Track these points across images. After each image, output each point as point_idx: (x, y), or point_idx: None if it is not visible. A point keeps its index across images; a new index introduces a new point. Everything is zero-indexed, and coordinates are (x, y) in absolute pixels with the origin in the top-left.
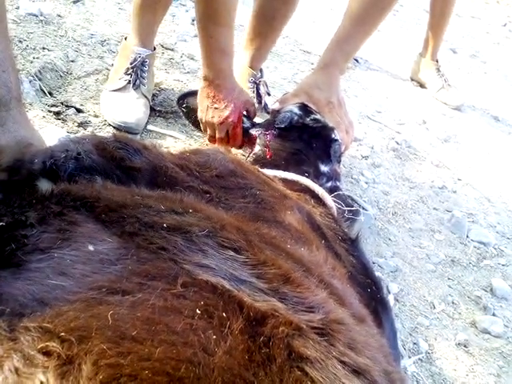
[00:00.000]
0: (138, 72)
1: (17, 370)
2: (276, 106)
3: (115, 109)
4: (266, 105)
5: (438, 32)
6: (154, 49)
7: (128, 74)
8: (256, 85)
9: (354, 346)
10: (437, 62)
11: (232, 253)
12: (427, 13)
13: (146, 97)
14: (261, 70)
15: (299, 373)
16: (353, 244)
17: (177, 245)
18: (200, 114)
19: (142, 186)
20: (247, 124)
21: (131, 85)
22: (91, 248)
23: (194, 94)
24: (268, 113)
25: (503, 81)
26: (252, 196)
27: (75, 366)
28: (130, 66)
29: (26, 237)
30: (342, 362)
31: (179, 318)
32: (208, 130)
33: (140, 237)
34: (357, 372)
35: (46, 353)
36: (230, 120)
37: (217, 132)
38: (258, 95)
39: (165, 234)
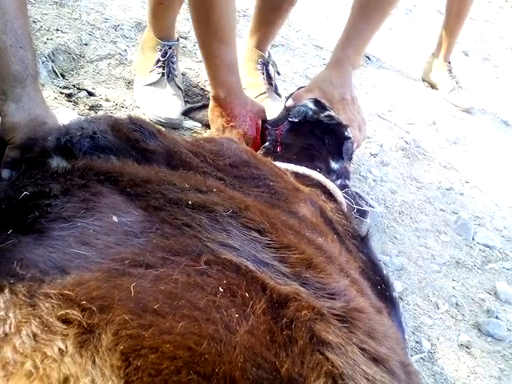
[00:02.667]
0: (169, 64)
1: (35, 335)
2: (290, 103)
3: (155, 105)
4: (276, 86)
5: (452, 33)
6: (177, 39)
7: (160, 67)
8: (265, 66)
9: (374, 335)
10: (449, 63)
11: (256, 234)
12: (441, 14)
13: (180, 88)
14: (268, 53)
15: (320, 356)
16: (363, 241)
17: (201, 223)
18: (216, 134)
19: (162, 167)
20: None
21: (165, 77)
22: (115, 219)
23: (197, 108)
24: (278, 94)
25: None
26: (266, 186)
27: (95, 336)
28: (162, 59)
29: (50, 206)
30: (362, 349)
31: (202, 294)
32: None
33: (165, 212)
34: (376, 360)
35: (66, 320)
36: (249, 134)
37: None
38: (268, 77)
39: (189, 211)
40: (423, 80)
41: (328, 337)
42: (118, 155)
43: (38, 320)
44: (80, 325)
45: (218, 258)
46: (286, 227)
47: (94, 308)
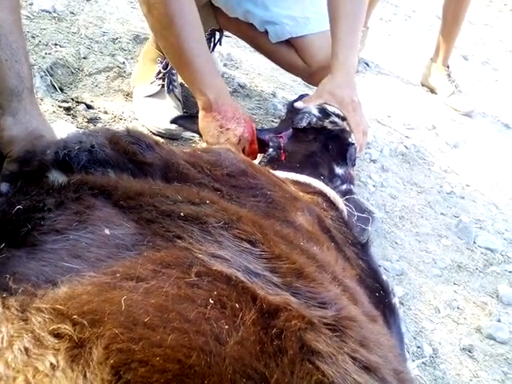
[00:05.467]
0: (169, 76)
1: (27, 350)
2: (300, 105)
3: (155, 116)
4: None
5: (449, 38)
6: None
7: (160, 78)
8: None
9: (366, 344)
10: (448, 67)
11: (247, 245)
12: (440, 19)
13: (179, 100)
14: None
15: (310, 366)
16: (362, 248)
17: (193, 234)
18: (211, 141)
19: (157, 180)
20: (260, 135)
21: (165, 89)
22: (107, 232)
23: (186, 117)
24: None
25: None
26: (263, 196)
27: (86, 350)
28: (164, 71)
29: (43, 219)
30: (353, 358)
31: (192, 306)
32: None
33: (157, 224)
34: (367, 369)
35: (58, 335)
36: (246, 136)
37: None
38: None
39: (181, 223)
40: (422, 85)
41: (318, 346)
42: (116, 168)
43: (30, 334)
44: (71, 339)
45: (208, 270)
46: (280, 237)
47: (85, 322)
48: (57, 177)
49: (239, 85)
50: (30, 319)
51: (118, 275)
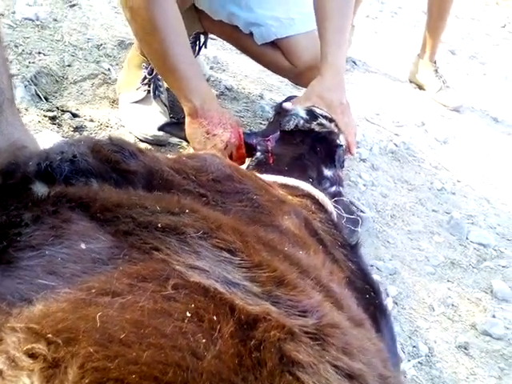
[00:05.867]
0: (155, 81)
1: (1, 372)
2: (287, 107)
3: (142, 122)
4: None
5: (435, 33)
6: None
7: (146, 84)
8: None
9: (349, 351)
10: (435, 63)
11: (227, 254)
12: (426, 14)
13: (165, 105)
14: None
15: (290, 377)
16: (352, 250)
17: (170, 245)
18: (198, 147)
19: (139, 189)
20: (248, 139)
21: (151, 94)
22: (83, 246)
23: (173, 124)
24: None
25: (503, 82)
26: (248, 200)
27: (61, 370)
28: (149, 77)
29: (20, 234)
30: (335, 367)
31: (169, 320)
32: None
33: (134, 236)
34: (350, 376)
35: (32, 355)
36: (232, 141)
37: None
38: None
39: (159, 234)
40: (410, 81)
41: (298, 356)
42: (99, 178)
43: (4, 356)
44: (46, 359)
45: (186, 282)
46: (262, 244)
47: (60, 341)
48: (39, 189)
49: (226, 87)
50: (4, 339)
51: (93, 291)
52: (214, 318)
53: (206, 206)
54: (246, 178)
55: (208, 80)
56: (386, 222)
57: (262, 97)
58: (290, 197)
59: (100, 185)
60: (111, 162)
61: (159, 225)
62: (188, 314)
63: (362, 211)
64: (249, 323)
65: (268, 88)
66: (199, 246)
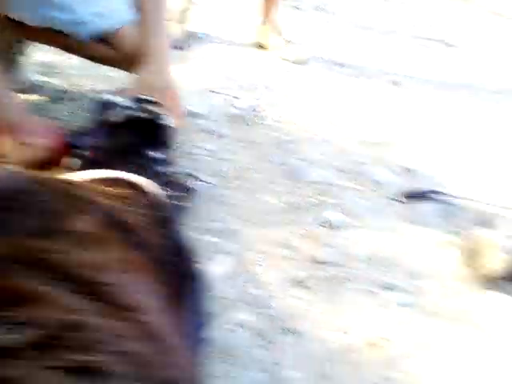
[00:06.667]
0: None
1: None
2: (110, 98)
3: None
4: None
5: None
6: None
7: None
8: None
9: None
10: (277, 22)
11: None
12: None
13: None
14: None
15: None
16: (168, 226)
17: None
18: (15, 160)
19: None
20: (72, 140)
21: None
22: None
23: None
24: None
25: (352, 29)
26: (40, 213)
27: None
28: None
29: None
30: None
31: None
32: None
33: None
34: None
35: None
36: (51, 146)
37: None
38: None
39: None
40: (255, 45)
41: None
42: None
43: None
44: None
45: None
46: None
47: None
48: None
49: (62, 90)
50: None
51: None
52: None
53: None
54: (44, 187)
55: (42, 86)
56: (228, 185)
57: (99, 93)
58: (106, 190)
59: None
60: None
61: None
62: None
63: (202, 181)
64: None
65: (105, 83)
66: None
